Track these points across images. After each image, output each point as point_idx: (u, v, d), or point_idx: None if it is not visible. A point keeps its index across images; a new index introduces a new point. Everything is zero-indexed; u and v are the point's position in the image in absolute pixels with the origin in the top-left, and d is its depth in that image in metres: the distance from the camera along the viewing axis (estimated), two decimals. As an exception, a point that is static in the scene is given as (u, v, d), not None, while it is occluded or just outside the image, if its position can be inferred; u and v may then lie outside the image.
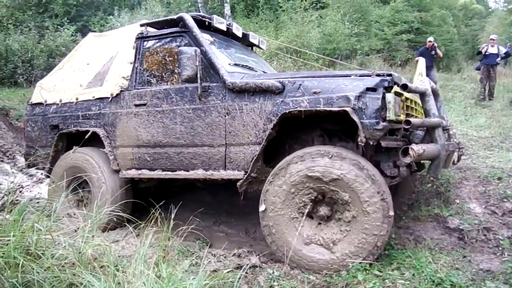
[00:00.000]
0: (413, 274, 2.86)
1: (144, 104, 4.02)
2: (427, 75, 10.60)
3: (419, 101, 3.58)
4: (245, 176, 3.43)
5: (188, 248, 3.37)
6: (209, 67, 3.66)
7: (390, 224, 2.99)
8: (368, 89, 2.95)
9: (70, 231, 2.81)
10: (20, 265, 2.20)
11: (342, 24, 12.98)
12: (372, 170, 3.02)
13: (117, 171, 4.23)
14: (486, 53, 10.96)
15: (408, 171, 3.25)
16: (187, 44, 3.87)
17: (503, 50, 11.18)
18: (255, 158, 3.37)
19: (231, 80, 3.49)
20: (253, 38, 4.82)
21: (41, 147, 4.91)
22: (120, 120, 4.19)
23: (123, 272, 2.28)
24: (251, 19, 15.27)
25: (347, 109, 2.95)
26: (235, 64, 3.97)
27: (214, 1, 14.78)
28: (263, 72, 4.29)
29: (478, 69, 11.89)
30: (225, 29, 4.30)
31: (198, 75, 3.51)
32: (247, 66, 4.15)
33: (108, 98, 4.28)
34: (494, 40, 11.05)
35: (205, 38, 3.86)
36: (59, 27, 12.53)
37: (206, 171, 3.65)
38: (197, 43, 3.78)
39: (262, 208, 3.27)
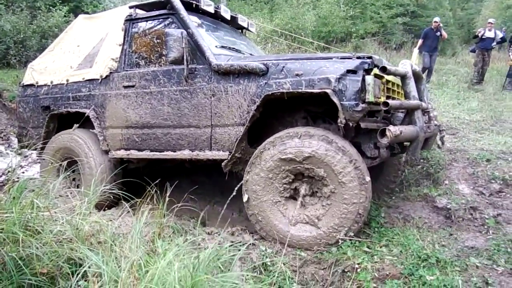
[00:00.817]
0: (401, 251, 2.96)
1: (133, 86, 4.08)
2: (430, 56, 10.67)
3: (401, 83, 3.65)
4: (230, 156, 3.51)
5: (182, 226, 3.45)
6: (195, 49, 3.71)
7: (369, 190, 3.09)
8: (348, 71, 3.01)
9: (67, 209, 2.87)
10: (20, 240, 2.26)
11: (337, 6, 12.93)
12: (340, 142, 3.11)
13: (107, 152, 4.31)
14: (483, 37, 10.97)
15: (388, 152, 3.33)
16: (174, 26, 3.90)
17: (499, 34, 11.19)
18: (239, 139, 3.45)
19: (216, 62, 3.54)
20: (242, 21, 4.85)
21: (33, 128, 5.00)
22: (110, 102, 4.26)
23: (120, 247, 2.35)
24: (246, 1, 15.14)
25: (328, 91, 3.02)
26: (222, 47, 4.01)
27: (209, -18, 14.66)
28: (250, 54, 4.32)
29: (473, 51, 11.93)
30: (213, 11, 4.32)
31: (185, 57, 3.57)
32: (234, 48, 4.18)
33: (98, 79, 4.34)
34: (492, 24, 11.06)
35: (192, 20, 3.89)
36: (51, 7, 12.35)
37: (192, 151, 3.74)
38: (184, 25, 3.81)
39: (245, 198, 3.40)
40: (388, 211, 3.85)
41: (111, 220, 2.90)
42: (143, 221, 2.55)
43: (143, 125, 4.03)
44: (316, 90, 3.08)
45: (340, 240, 3.09)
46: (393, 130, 2.96)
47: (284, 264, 2.86)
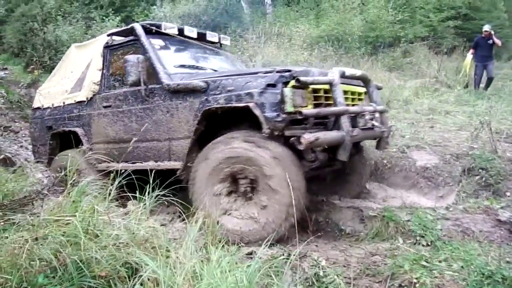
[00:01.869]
0: (462, 266, 2.79)
1: (110, 106, 4.60)
2: (485, 67, 10.10)
3: (358, 89, 4.02)
4: (183, 166, 3.85)
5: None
6: (152, 71, 4.14)
7: (299, 191, 3.25)
8: (268, 85, 3.30)
9: (123, 213, 2.95)
10: (81, 244, 2.33)
11: (385, 11, 12.61)
12: (270, 145, 3.34)
13: (94, 165, 4.72)
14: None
15: (325, 155, 3.69)
16: (138, 51, 4.36)
17: None
18: (188, 150, 3.81)
19: (167, 82, 3.98)
20: (211, 37, 5.19)
21: (41, 145, 5.72)
22: (94, 121, 4.82)
23: (175, 253, 2.37)
24: (291, 7, 15.12)
25: (250, 104, 3.32)
26: (181, 65, 4.39)
27: (255, -11, 14.77)
28: (214, 70, 4.58)
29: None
30: (176, 33, 4.65)
31: (141, 80, 3.99)
32: (195, 66, 4.55)
33: (85, 101, 4.91)
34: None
35: (156, 43, 4.38)
36: (104, 18, 12.91)
37: (156, 162, 4.13)
38: (143, 49, 4.28)
39: (190, 195, 3.64)
40: (445, 223, 3.67)
41: (164, 225, 2.94)
42: (197, 228, 2.57)
43: (119, 140, 4.52)
44: (241, 104, 3.39)
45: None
46: (307, 137, 3.15)
47: (337, 275, 2.79)
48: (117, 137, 4.54)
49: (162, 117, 4.05)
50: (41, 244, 2.39)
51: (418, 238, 3.50)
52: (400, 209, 3.99)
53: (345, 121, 3.44)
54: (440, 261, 2.93)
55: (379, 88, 4.49)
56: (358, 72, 3.92)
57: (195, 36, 4.88)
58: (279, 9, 14.80)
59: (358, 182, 4.75)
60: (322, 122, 3.62)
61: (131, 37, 4.53)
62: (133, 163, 4.35)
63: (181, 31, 4.70)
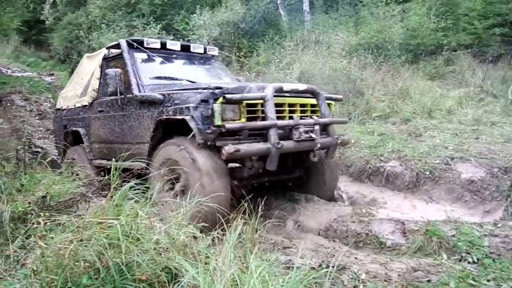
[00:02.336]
0: (512, 287, 2.65)
1: (102, 111, 5.23)
2: None
3: (311, 101, 4.30)
4: (145, 167, 4.17)
5: (273, 243, 3.42)
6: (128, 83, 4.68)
7: (218, 192, 3.55)
8: (202, 100, 3.68)
9: (164, 218, 2.98)
10: (123, 247, 2.37)
11: (427, 18, 12.27)
12: (195, 153, 3.71)
13: (92, 160, 5.47)
14: None
15: (260, 164, 3.98)
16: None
17: None
18: (148, 153, 4.32)
19: (136, 93, 4.49)
20: (195, 49, 5.62)
21: (59, 140, 6.48)
22: (92, 123, 5.48)
23: (215, 260, 2.36)
24: (330, 14, 15.00)
25: (186, 117, 3.74)
26: (157, 77, 4.85)
27: (293, -3, 14.77)
28: (191, 82, 4.91)
29: None
30: (159, 47, 5.19)
31: (118, 91, 4.58)
32: (172, 77, 4.95)
33: (87, 105, 5.59)
34: None
35: (137, 57, 4.94)
36: (145, 26, 13.27)
37: (132, 162, 4.39)
38: (124, 63, 4.84)
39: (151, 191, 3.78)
40: (493, 240, 3.49)
41: (204, 232, 2.95)
42: (236, 235, 2.56)
43: (107, 141, 5.15)
44: (181, 117, 3.81)
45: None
46: (227, 148, 3.53)
47: (379, 290, 2.70)
48: (106, 138, 5.18)
49: (134, 123, 4.62)
50: (85, 246, 2.44)
51: (463, 254, 3.36)
52: (444, 223, 3.84)
53: (273, 134, 3.75)
54: (488, 280, 2.80)
55: (339, 100, 4.92)
56: (302, 87, 4.21)
57: (178, 48, 5.42)
58: (317, 16, 14.72)
59: (325, 188, 4.97)
60: (261, 134, 3.91)
61: (119, 51, 5.08)
62: (116, 161, 4.64)
63: (164, 45, 5.26)
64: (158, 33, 12.14)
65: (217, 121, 3.62)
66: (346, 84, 9.18)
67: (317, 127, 4.12)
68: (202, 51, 5.69)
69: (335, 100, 4.82)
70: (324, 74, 9.50)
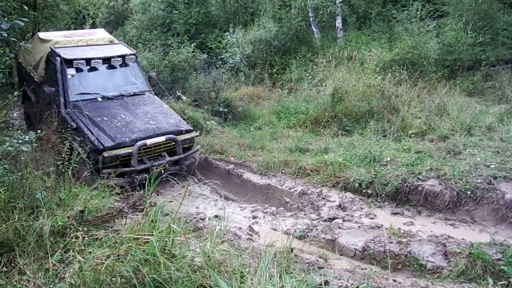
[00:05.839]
0: None
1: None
2: None
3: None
4: None
5: (308, 262, 3.34)
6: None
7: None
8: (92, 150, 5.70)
9: (198, 234, 2.97)
10: (159, 263, 2.37)
11: (464, 33, 11.97)
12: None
13: None
14: None
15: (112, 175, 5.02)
16: None
17: None
18: None
19: (61, 110, 6.19)
20: (115, 62, 6.86)
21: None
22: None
23: (251, 279, 2.32)
24: (363, 31, 14.87)
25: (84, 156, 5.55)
26: (81, 93, 6.43)
27: (325, 14, 14.69)
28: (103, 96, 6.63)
29: None
30: (85, 64, 6.55)
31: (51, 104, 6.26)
32: (90, 93, 6.51)
33: (37, 82, 7.18)
34: None
35: (69, 72, 6.40)
36: (180, 44, 13.56)
37: None
38: (56, 82, 6.39)
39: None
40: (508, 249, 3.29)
41: (239, 249, 2.91)
42: (272, 254, 2.51)
43: None
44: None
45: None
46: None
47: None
48: None
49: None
50: (121, 261, 2.45)
51: (511, 280, 3.17)
52: (489, 246, 3.65)
53: (133, 160, 5.77)
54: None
55: (196, 136, 6.73)
56: (162, 139, 6.06)
57: (100, 64, 6.70)
58: (350, 33, 14.60)
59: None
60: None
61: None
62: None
63: (89, 61, 6.53)
64: (193, 52, 12.34)
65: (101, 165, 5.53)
66: (380, 101, 9.03)
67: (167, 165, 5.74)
68: (120, 62, 6.94)
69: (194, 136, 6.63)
70: (358, 90, 9.38)
